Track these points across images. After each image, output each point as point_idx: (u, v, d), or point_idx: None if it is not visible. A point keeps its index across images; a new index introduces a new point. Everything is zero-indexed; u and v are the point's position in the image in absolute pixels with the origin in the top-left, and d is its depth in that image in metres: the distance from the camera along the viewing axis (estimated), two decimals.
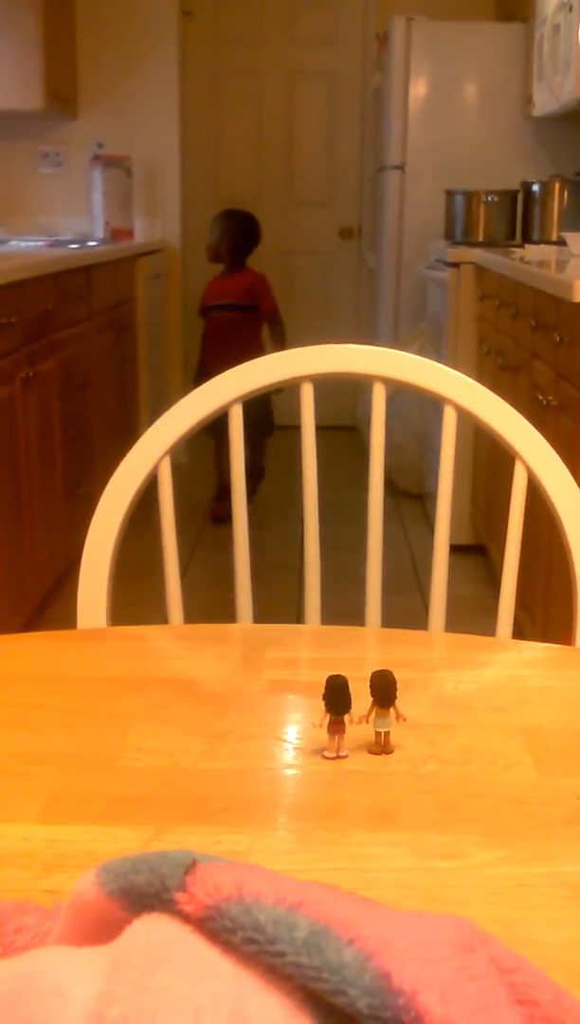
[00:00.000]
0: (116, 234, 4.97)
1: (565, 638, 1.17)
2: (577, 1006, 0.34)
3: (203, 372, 4.10)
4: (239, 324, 4.45)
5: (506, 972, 0.33)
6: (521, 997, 0.32)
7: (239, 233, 4.52)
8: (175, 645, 1.02)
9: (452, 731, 0.80)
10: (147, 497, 1.23)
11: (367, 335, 5.35)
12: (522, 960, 0.34)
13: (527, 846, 0.65)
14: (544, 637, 1.14)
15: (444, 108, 4.77)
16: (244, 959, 0.34)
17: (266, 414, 4.30)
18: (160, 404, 1.16)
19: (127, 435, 4.26)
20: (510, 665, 0.97)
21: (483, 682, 0.91)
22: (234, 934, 0.34)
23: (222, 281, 4.52)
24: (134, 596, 1.36)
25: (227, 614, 1.28)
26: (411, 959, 0.32)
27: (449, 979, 0.31)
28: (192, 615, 1.25)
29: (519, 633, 1.19)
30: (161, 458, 1.22)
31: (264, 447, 4.52)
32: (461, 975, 0.32)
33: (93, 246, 4.36)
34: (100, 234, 4.94)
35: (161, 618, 1.24)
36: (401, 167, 4.83)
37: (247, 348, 3.45)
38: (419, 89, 4.75)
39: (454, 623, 1.23)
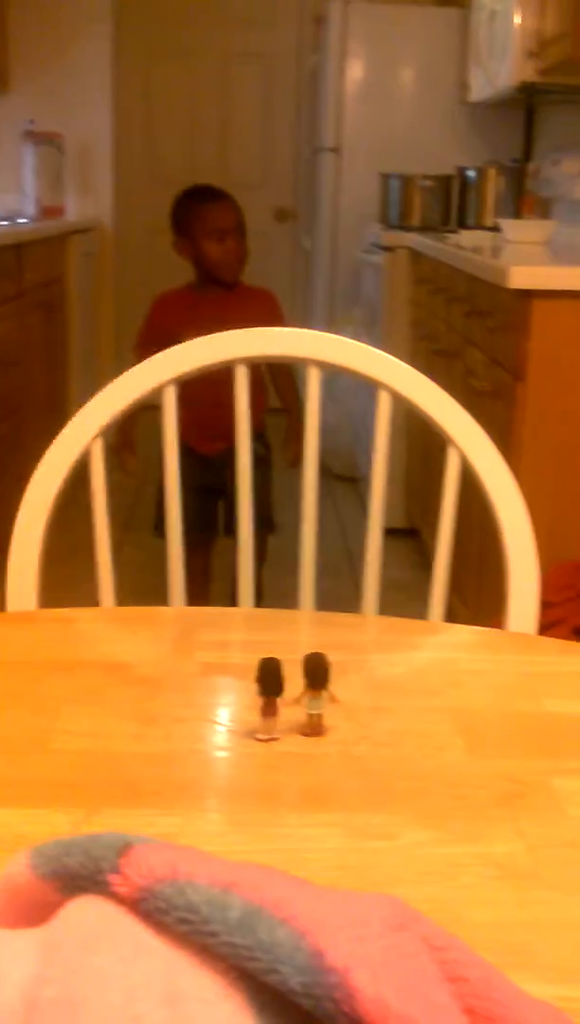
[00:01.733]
0: (47, 212, 4.91)
1: (496, 622, 1.18)
2: (506, 984, 0.34)
3: (187, 453, 1.61)
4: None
5: (437, 950, 0.34)
6: (451, 974, 0.33)
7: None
8: (107, 627, 1.02)
9: (384, 713, 0.80)
10: (80, 478, 1.22)
11: (302, 318, 5.35)
12: (452, 938, 0.35)
13: (458, 827, 0.65)
14: (476, 621, 1.15)
15: (380, 91, 4.77)
16: (178, 939, 0.34)
17: (265, 512, 2.68)
18: (92, 384, 1.16)
19: (58, 416, 4.22)
20: (442, 648, 0.98)
21: (415, 665, 0.92)
22: (168, 915, 0.34)
23: (209, 303, 2.77)
24: (65, 578, 1.35)
25: (160, 597, 1.27)
26: (344, 938, 0.32)
27: (381, 957, 0.32)
28: (124, 597, 1.24)
29: (452, 616, 1.20)
30: (93, 439, 1.21)
31: (266, 549, 2.74)
32: (392, 953, 0.32)
33: (23, 223, 4.31)
34: (31, 211, 4.87)
35: (92, 600, 1.23)
36: (336, 150, 4.82)
37: (258, 413, 2.40)
38: (355, 72, 4.75)
39: (387, 607, 1.24)
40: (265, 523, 2.20)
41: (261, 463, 1.52)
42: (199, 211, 2.78)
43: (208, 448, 2.58)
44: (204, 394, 1.50)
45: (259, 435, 2.73)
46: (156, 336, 2.28)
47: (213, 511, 2.84)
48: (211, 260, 2.77)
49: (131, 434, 2.74)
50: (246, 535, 1.28)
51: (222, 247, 2.76)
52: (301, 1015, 0.32)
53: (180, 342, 1.25)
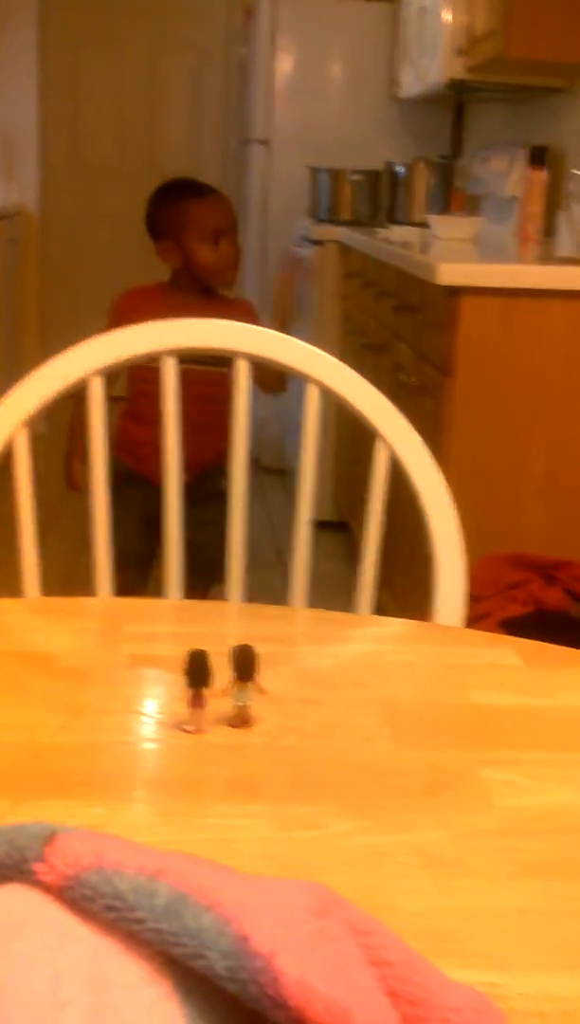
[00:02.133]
0: None
1: (425, 615, 1.19)
2: (429, 967, 0.35)
3: (143, 485, 1.89)
4: (215, 394, 1.96)
5: (360, 935, 0.34)
6: (374, 958, 0.33)
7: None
8: (32, 618, 1.01)
9: (312, 705, 0.81)
10: (4, 468, 1.21)
11: None
12: (376, 923, 0.35)
13: (384, 816, 0.66)
14: (404, 613, 1.16)
15: (310, 85, 4.77)
16: (104, 926, 0.33)
17: (214, 557, 1.65)
18: (14, 372, 1.14)
19: None
20: (370, 640, 0.98)
21: (344, 657, 0.92)
22: (94, 902, 0.33)
23: (185, 309, 2.00)
24: None
25: (86, 588, 1.26)
26: (269, 923, 0.32)
27: (305, 942, 0.32)
28: (50, 588, 1.23)
29: (380, 609, 1.21)
30: (16, 428, 1.20)
31: (206, 595, 2.37)
32: (317, 938, 0.32)
33: None
34: None
35: (17, 591, 1.22)
36: (266, 142, 4.82)
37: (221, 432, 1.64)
38: (285, 64, 4.75)
39: (316, 599, 1.24)
40: (212, 569, 1.61)
41: (220, 499, 1.31)
42: (186, 210, 2.39)
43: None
44: (190, 410, 1.33)
45: (221, 468, 2.10)
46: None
47: (155, 546, 2.25)
48: (205, 266, 2.40)
49: (80, 442, 2.34)
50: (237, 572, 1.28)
51: (217, 251, 2.39)
52: (228, 1000, 0.32)
53: None
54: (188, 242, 2.39)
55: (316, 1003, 0.29)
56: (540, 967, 0.53)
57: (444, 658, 0.92)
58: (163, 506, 1.26)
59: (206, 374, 1.85)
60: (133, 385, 2.43)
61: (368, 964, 0.33)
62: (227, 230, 2.42)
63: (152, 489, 1.38)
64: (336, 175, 4.45)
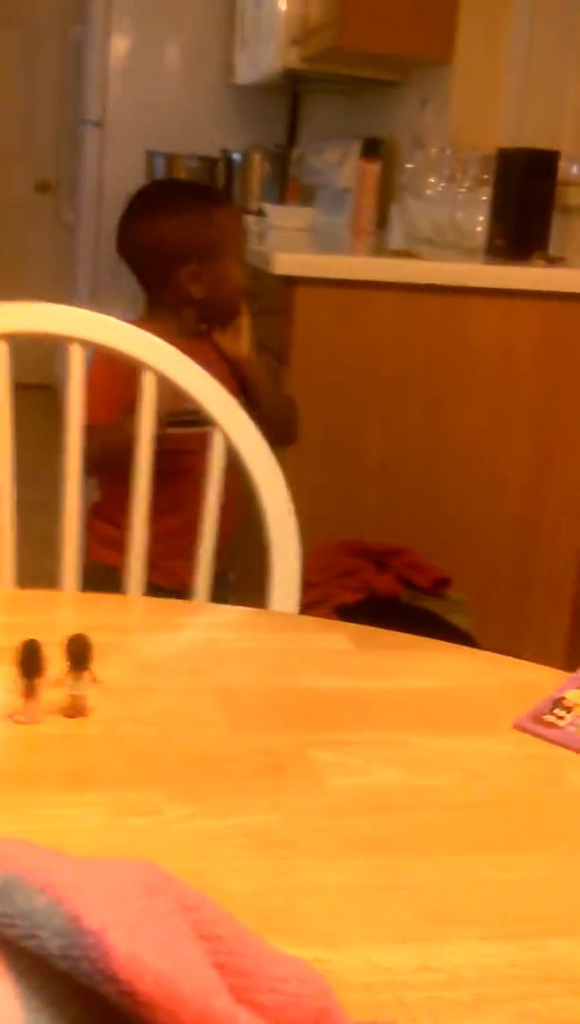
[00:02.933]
0: None
1: (261, 601, 1.21)
2: (256, 941, 0.36)
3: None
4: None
5: (189, 911, 0.35)
6: (203, 933, 0.35)
7: None
8: None
9: (148, 693, 0.81)
10: None
11: (64, 293, 5.26)
12: (204, 899, 0.37)
13: (218, 800, 0.67)
14: (243, 600, 1.18)
15: (146, 67, 4.73)
16: None
17: None
18: None
19: None
20: (206, 628, 0.99)
21: (179, 645, 0.93)
22: None
23: (198, 348, 1.55)
24: None
25: None
26: (100, 901, 0.33)
27: (136, 918, 0.33)
28: None
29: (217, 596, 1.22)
30: None
31: None
32: (147, 914, 0.33)
33: None
34: None
35: None
36: (100, 124, 4.76)
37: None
38: (120, 45, 4.69)
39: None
40: None
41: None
42: (217, 223, 1.91)
43: (176, 582, 1.38)
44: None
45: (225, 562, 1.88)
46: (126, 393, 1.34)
47: None
48: (235, 289, 1.93)
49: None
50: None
51: (243, 270, 1.95)
52: (61, 978, 0.32)
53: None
54: (223, 263, 1.89)
55: (145, 976, 0.31)
56: (366, 941, 0.55)
57: (278, 644, 0.94)
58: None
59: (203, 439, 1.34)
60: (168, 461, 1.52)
61: (197, 938, 0.34)
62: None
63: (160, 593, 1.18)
64: (172, 160, 4.43)
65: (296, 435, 2.04)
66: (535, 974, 0.54)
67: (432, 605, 2.09)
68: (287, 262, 2.31)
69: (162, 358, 1.24)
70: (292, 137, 4.80)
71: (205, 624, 1.01)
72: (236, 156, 4.45)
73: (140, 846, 0.62)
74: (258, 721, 0.79)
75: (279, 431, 1.75)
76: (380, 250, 2.91)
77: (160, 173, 4.44)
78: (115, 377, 1.54)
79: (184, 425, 1.37)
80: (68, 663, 0.76)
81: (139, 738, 0.74)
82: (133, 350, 1.25)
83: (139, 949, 0.31)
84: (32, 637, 0.75)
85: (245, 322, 1.93)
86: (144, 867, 0.37)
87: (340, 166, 3.86)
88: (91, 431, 1.27)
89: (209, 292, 1.89)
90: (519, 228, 2.57)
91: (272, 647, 0.93)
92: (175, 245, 1.87)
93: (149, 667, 0.86)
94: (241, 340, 1.92)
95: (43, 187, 6.03)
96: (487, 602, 2.39)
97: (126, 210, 1.94)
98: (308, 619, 1.04)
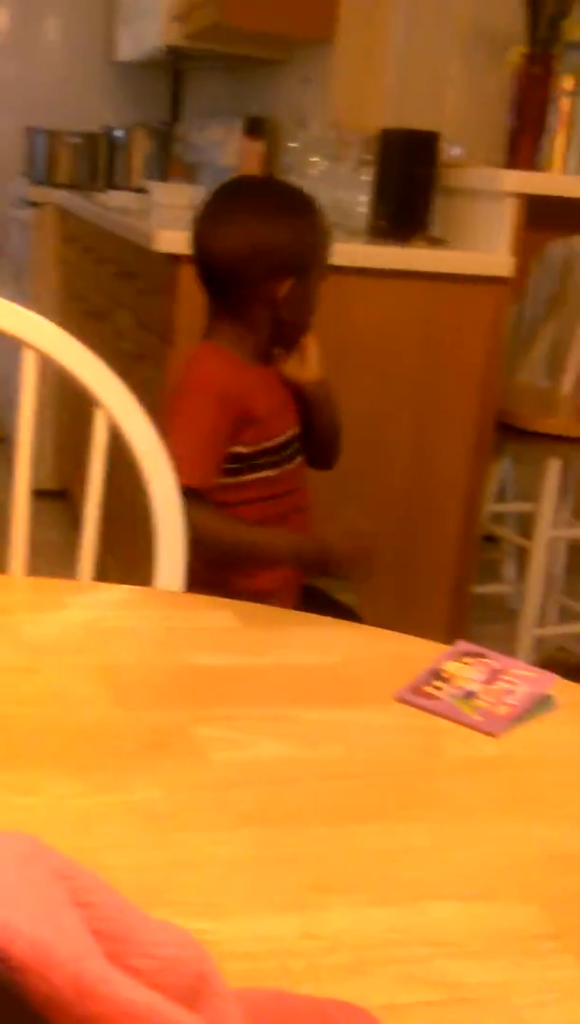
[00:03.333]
0: None
1: (148, 580, 1.21)
2: (132, 908, 0.37)
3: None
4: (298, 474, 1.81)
5: (65, 879, 0.36)
6: (78, 900, 0.35)
7: None
8: None
9: (31, 673, 0.81)
10: None
11: None
12: (80, 868, 0.37)
13: (101, 777, 0.67)
14: (130, 578, 1.17)
15: (25, 42, 4.64)
16: None
17: None
18: None
19: None
20: (91, 607, 0.99)
21: (63, 624, 0.93)
22: None
23: (272, 377, 1.75)
24: None
25: None
26: None
27: (10, 886, 0.33)
28: None
29: (104, 576, 1.22)
30: None
31: None
32: (22, 883, 0.34)
33: None
34: None
35: None
36: None
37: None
38: None
39: (38, 568, 1.23)
40: None
41: None
42: (320, 232, 1.69)
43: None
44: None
45: None
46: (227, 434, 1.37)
47: None
48: (314, 311, 1.73)
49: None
50: None
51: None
52: None
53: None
54: (315, 280, 1.69)
55: (19, 942, 0.31)
56: (250, 912, 0.56)
57: (165, 622, 0.94)
58: None
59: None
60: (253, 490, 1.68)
61: (73, 905, 0.35)
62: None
63: None
64: (53, 136, 4.36)
65: (338, 458, 1.89)
66: (414, 938, 0.55)
67: (320, 583, 2.11)
68: (171, 239, 2.29)
69: (44, 337, 1.23)
70: (175, 114, 4.77)
71: (91, 603, 1.00)
72: (119, 133, 4.40)
73: (22, 825, 0.61)
74: (143, 698, 0.79)
75: (327, 455, 1.85)
76: None
77: (41, 150, 4.37)
78: (225, 400, 1.48)
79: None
80: None
81: (21, 718, 0.74)
82: (14, 329, 1.23)
83: (14, 917, 0.32)
84: None
85: (313, 343, 1.74)
86: (18, 838, 0.37)
87: (223, 144, 3.85)
88: (193, 504, 1.15)
89: (295, 313, 1.68)
90: (401, 209, 2.59)
91: (159, 625, 0.94)
92: (278, 255, 1.62)
93: (32, 647, 0.86)
94: (309, 363, 1.74)
95: None
96: (372, 580, 2.42)
97: (211, 206, 1.67)
98: (195, 597, 1.04)
